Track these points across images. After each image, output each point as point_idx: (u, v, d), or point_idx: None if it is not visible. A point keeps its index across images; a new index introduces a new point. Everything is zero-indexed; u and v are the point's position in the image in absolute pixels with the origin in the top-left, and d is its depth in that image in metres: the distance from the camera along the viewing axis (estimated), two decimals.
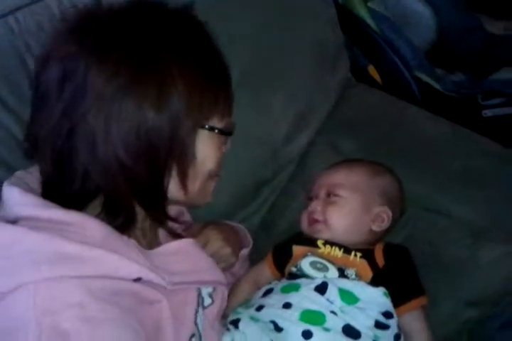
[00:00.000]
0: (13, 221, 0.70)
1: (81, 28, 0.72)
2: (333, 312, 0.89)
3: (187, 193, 0.78)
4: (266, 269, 1.05)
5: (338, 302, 0.90)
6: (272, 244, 1.15)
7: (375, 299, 0.92)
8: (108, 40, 0.71)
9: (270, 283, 1.00)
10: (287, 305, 0.90)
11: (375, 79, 1.51)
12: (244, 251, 1.04)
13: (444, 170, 1.20)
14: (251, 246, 1.06)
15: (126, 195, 0.73)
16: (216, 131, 0.77)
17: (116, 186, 0.72)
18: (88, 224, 0.70)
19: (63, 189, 0.72)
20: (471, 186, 1.17)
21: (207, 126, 0.76)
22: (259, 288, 1.01)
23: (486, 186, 1.17)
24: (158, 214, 0.78)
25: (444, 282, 1.06)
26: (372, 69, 1.49)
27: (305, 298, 0.90)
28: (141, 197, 0.74)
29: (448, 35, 1.79)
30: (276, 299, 0.92)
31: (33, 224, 0.69)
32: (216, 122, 0.77)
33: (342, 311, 0.89)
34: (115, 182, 0.71)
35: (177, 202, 0.81)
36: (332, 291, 0.91)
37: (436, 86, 1.51)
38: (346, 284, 0.93)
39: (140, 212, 0.77)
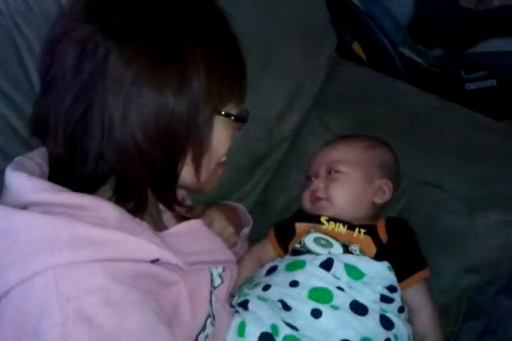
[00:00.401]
0: (23, 207, 0.69)
1: (100, 8, 0.70)
2: (339, 288, 0.89)
3: (199, 179, 0.77)
4: (269, 247, 1.05)
5: (344, 278, 0.91)
6: (269, 222, 1.16)
7: (379, 273, 0.93)
8: (130, 23, 0.69)
9: (273, 260, 1.00)
10: (294, 284, 0.90)
11: (360, 56, 1.51)
12: (245, 230, 1.04)
13: (435, 143, 1.21)
14: (251, 225, 1.06)
15: (140, 179, 0.72)
16: (232, 117, 0.77)
17: (131, 169, 0.71)
18: (102, 207, 0.68)
19: (74, 171, 0.71)
20: (463, 158, 1.18)
21: (223, 113, 0.75)
22: (261, 266, 1.01)
23: (478, 157, 1.19)
24: (169, 199, 0.77)
25: (443, 251, 1.08)
26: (356, 46, 1.49)
27: (311, 275, 0.91)
28: (154, 182, 0.73)
29: (424, 11, 1.79)
30: (282, 277, 0.92)
31: (45, 209, 0.67)
32: (231, 109, 0.77)
33: (349, 287, 0.90)
34: (130, 166, 0.70)
35: (186, 188, 0.81)
36: (338, 267, 0.92)
37: (420, 61, 1.51)
38: (351, 259, 0.94)
39: (150, 196, 0.76)
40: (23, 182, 0.70)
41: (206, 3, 0.76)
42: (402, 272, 0.95)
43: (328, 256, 0.93)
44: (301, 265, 0.93)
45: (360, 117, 1.26)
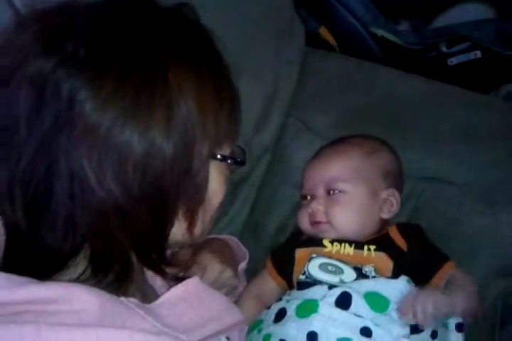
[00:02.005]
0: None
1: (58, 36, 0.56)
2: (364, 329, 0.77)
3: (192, 235, 0.64)
4: (269, 280, 0.94)
5: (367, 313, 0.79)
6: (261, 247, 1.08)
7: (402, 292, 0.82)
8: (99, 54, 0.56)
9: (280, 299, 0.87)
10: (313, 337, 0.77)
11: (329, 42, 1.39)
12: (242, 266, 0.92)
13: (432, 132, 1.10)
14: (247, 258, 0.93)
15: (122, 245, 0.59)
16: (229, 160, 0.65)
17: (110, 235, 0.58)
18: (77, 297, 0.54)
19: (38, 243, 0.57)
20: (465, 145, 1.08)
21: (218, 156, 0.64)
22: (264, 304, 0.89)
23: (481, 142, 1.09)
24: (158, 263, 0.64)
25: (467, 256, 0.98)
26: (323, 31, 1.36)
27: (328, 320, 0.78)
28: (139, 247, 0.61)
29: None
30: (295, 328, 0.79)
31: (4, 313, 0.53)
32: (226, 149, 0.65)
33: (375, 324, 0.78)
34: (109, 231, 0.58)
35: (175, 245, 0.67)
36: (358, 301, 0.80)
37: (396, 40, 1.41)
38: (369, 285, 0.82)
39: (134, 263, 0.63)
40: None
41: (191, 25, 0.64)
42: (430, 270, 0.87)
43: (342, 289, 0.81)
44: (314, 307, 0.80)
45: (344, 113, 1.13)
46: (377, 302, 0.80)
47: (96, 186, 0.55)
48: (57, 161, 0.55)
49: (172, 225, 0.62)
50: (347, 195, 0.91)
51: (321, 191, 0.92)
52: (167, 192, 0.59)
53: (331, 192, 0.91)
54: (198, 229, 0.64)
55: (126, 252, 0.60)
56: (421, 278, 0.85)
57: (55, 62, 0.55)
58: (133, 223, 0.59)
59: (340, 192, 0.91)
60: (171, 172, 0.58)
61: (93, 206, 0.56)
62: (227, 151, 0.65)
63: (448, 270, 0.87)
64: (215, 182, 0.64)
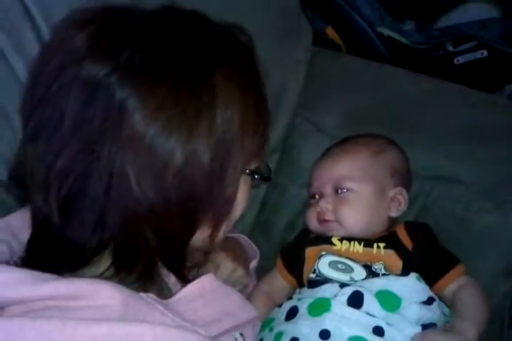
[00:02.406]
0: None
1: (114, 42, 0.57)
2: (377, 328, 0.77)
3: (213, 242, 0.66)
4: (279, 278, 0.94)
5: (379, 313, 0.79)
6: (271, 244, 1.08)
7: (413, 289, 0.82)
8: (153, 63, 0.57)
9: (290, 297, 0.88)
10: (325, 335, 0.78)
11: (335, 42, 1.39)
12: (253, 264, 0.92)
13: (440, 131, 1.10)
14: (258, 256, 0.93)
15: (149, 248, 0.60)
16: (256, 176, 0.67)
17: (139, 237, 0.59)
18: (100, 292, 0.56)
19: (66, 237, 0.59)
20: (473, 144, 1.08)
21: (247, 171, 0.65)
22: (274, 302, 0.89)
23: (487, 141, 1.09)
24: (180, 266, 0.65)
25: (475, 255, 0.98)
26: (330, 31, 1.37)
27: (341, 319, 0.78)
28: (165, 250, 0.62)
29: None
30: (308, 326, 0.79)
31: (28, 308, 0.54)
32: (254, 164, 0.67)
33: (388, 324, 0.78)
34: (138, 233, 0.59)
35: (193, 250, 0.68)
36: (369, 300, 0.80)
37: (402, 39, 1.41)
38: (380, 283, 0.82)
39: (158, 263, 0.65)
40: None
41: (241, 44, 0.65)
42: (438, 271, 0.86)
43: (354, 288, 0.81)
44: (326, 306, 0.80)
45: (352, 112, 1.13)
46: (388, 300, 0.80)
47: (135, 189, 0.56)
48: (99, 161, 0.56)
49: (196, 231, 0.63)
50: (355, 194, 0.91)
51: (329, 190, 0.92)
52: (199, 200, 0.60)
53: (339, 191, 0.91)
54: (219, 237, 0.66)
55: (151, 253, 0.61)
56: (428, 278, 0.85)
57: (110, 68, 0.56)
58: (163, 226, 0.60)
59: (348, 190, 0.91)
60: (206, 182, 0.60)
61: (128, 207, 0.57)
62: (255, 166, 0.67)
63: (456, 274, 0.86)
64: (241, 195, 0.65)
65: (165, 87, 0.57)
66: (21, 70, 0.78)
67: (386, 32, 1.39)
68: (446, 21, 1.67)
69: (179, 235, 0.62)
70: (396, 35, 1.39)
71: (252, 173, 0.66)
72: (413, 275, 0.83)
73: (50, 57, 0.59)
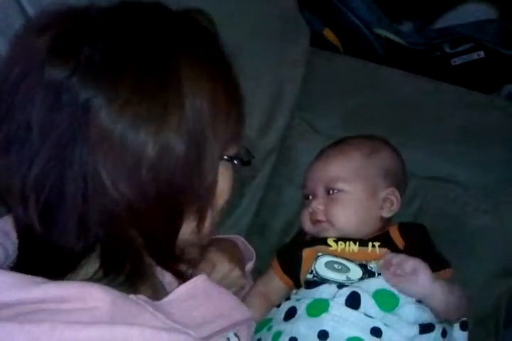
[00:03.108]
0: None
1: (71, 42, 0.56)
2: (374, 329, 0.78)
3: (200, 233, 0.65)
4: (275, 279, 0.94)
5: (377, 313, 0.80)
6: (268, 246, 1.08)
7: None
8: (114, 59, 0.56)
9: (288, 297, 0.88)
10: (324, 336, 0.78)
11: (333, 43, 1.39)
12: (249, 266, 0.92)
13: (437, 132, 1.11)
14: (254, 258, 0.93)
15: (135, 245, 0.60)
16: (235, 161, 0.66)
17: (123, 236, 0.59)
18: (89, 295, 0.55)
19: (52, 244, 0.58)
20: (470, 145, 1.09)
21: (226, 157, 0.64)
22: (271, 303, 0.90)
23: (484, 142, 1.10)
24: (170, 261, 0.65)
25: (471, 256, 0.99)
26: (328, 32, 1.37)
27: (340, 320, 0.79)
28: (152, 245, 0.61)
29: None
30: (307, 326, 0.80)
31: (17, 310, 0.54)
32: (232, 150, 0.66)
33: (385, 324, 0.79)
34: (122, 232, 0.59)
35: (183, 244, 0.67)
36: (367, 301, 0.80)
37: (399, 40, 1.42)
38: (377, 283, 0.83)
39: (146, 262, 0.64)
40: None
41: (202, 30, 0.64)
42: None
43: (351, 289, 0.82)
44: (325, 306, 0.81)
45: (349, 113, 1.14)
46: (386, 300, 0.81)
47: (110, 189, 0.56)
48: (71, 165, 0.56)
49: (182, 223, 0.62)
50: (346, 194, 0.91)
51: (321, 191, 0.93)
52: (179, 192, 0.60)
53: (331, 192, 0.92)
54: (205, 228, 0.65)
55: (138, 252, 0.61)
56: None
57: (70, 69, 0.55)
58: (145, 223, 0.59)
59: (339, 191, 0.92)
60: (183, 173, 0.59)
61: (106, 208, 0.57)
62: (233, 152, 0.66)
63: (443, 277, 0.86)
64: (222, 182, 0.64)
65: (128, 82, 0.56)
66: None
67: (383, 33, 1.39)
68: (444, 22, 1.67)
69: (164, 230, 0.61)
70: (393, 37, 1.39)
71: (231, 159, 0.65)
72: None
73: (12, 67, 0.58)
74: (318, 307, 0.81)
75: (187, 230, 0.63)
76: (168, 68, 0.58)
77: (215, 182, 0.62)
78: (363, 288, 0.82)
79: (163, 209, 0.60)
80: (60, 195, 0.57)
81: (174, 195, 0.60)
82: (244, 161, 0.68)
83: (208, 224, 0.64)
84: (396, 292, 0.82)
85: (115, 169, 0.56)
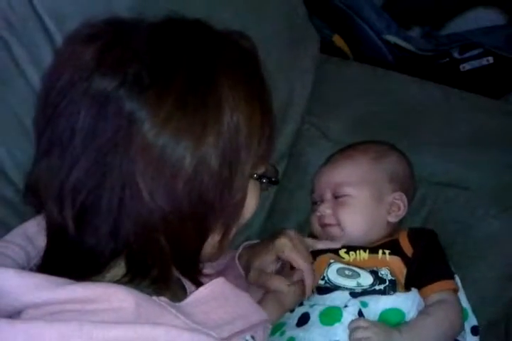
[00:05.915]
0: (17, 312, 0.56)
1: (121, 58, 0.58)
2: None
3: (222, 248, 0.67)
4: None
5: None
6: None
7: (413, 302, 0.84)
8: (160, 74, 0.58)
9: (302, 303, 0.89)
10: None
11: (342, 49, 1.40)
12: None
13: (447, 137, 1.11)
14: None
15: (164, 255, 0.61)
16: (265, 180, 0.68)
17: (153, 245, 0.61)
18: (114, 296, 0.57)
19: (82, 246, 0.60)
20: (479, 150, 1.09)
21: (255, 175, 0.66)
22: (284, 307, 0.89)
23: (493, 147, 1.10)
24: (194, 272, 0.67)
25: (480, 260, 0.99)
26: (337, 39, 1.38)
27: None
28: (179, 256, 0.63)
29: None
30: (320, 334, 0.81)
31: (45, 311, 0.55)
32: (262, 168, 0.68)
33: None
34: (152, 241, 0.60)
35: (204, 255, 0.69)
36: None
37: (408, 46, 1.42)
38: (386, 302, 0.84)
39: (172, 269, 0.66)
40: (10, 281, 0.57)
41: (245, 52, 0.66)
42: (424, 277, 0.87)
43: (359, 306, 0.84)
44: (337, 315, 0.82)
45: (359, 119, 1.15)
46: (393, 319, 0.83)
47: (147, 199, 0.57)
48: (111, 173, 0.57)
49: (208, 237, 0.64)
50: (353, 199, 0.93)
51: (328, 195, 0.95)
52: (210, 207, 0.61)
53: (338, 196, 0.94)
54: (226, 244, 0.67)
55: (165, 259, 0.62)
56: (418, 284, 0.86)
57: (119, 81, 0.57)
58: (176, 233, 0.61)
59: (346, 195, 0.93)
60: (215, 188, 0.60)
61: (141, 216, 0.58)
62: (262, 170, 0.68)
63: (438, 288, 0.86)
64: (250, 199, 0.66)
65: (172, 97, 0.58)
66: (39, 85, 0.79)
67: (392, 39, 1.40)
68: (452, 28, 1.68)
69: (192, 242, 0.63)
70: (402, 43, 1.40)
71: (259, 177, 0.67)
72: (414, 290, 0.85)
73: (59, 74, 0.60)
74: (331, 316, 0.82)
75: (211, 242, 0.65)
76: (209, 86, 0.60)
77: (243, 200, 0.64)
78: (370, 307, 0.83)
79: (194, 222, 0.61)
80: (96, 200, 0.58)
81: (205, 209, 0.61)
82: (271, 180, 0.70)
83: (230, 237, 0.66)
84: (405, 310, 0.83)
85: (153, 180, 0.57)
